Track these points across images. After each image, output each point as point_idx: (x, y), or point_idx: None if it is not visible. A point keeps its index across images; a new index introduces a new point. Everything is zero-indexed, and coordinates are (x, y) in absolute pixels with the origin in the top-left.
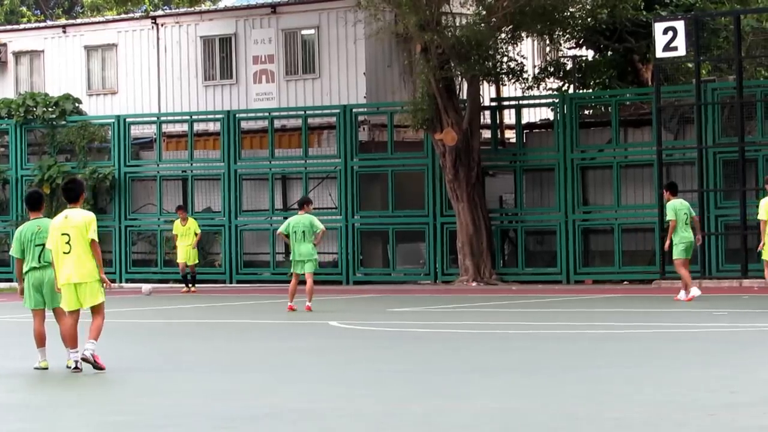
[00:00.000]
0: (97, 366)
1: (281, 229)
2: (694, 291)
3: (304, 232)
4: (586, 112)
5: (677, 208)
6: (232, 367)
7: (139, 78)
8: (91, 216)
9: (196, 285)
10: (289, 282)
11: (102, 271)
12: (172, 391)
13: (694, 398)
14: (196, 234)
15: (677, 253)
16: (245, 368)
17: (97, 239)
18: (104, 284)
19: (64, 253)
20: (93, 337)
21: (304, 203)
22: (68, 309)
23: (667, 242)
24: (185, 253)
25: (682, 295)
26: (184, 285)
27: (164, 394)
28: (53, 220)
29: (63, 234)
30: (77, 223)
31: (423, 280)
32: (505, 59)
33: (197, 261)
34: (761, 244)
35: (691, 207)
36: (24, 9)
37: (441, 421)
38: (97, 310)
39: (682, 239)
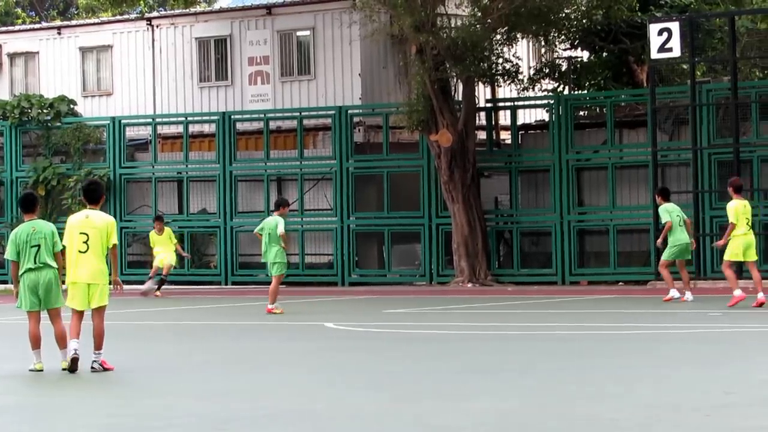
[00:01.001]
0: (106, 369)
1: (257, 228)
2: (673, 293)
3: (269, 234)
4: (581, 113)
5: (670, 210)
6: (228, 368)
7: (135, 79)
8: (112, 220)
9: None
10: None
11: (116, 273)
12: (168, 393)
13: (689, 399)
14: (174, 243)
15: (667, 255)
16: (241, 369)
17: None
18: (118, 286)
19: (80, 252)
20: (98, 347)
21: (279, 205)
22: (78, 308)
23: (660, 240)
24: (162, 260)
25: (688, 295)
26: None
27: (161, 396)
28: (71, 218)
29: (81, 233)
30: (98, 224)
31: (418, 282)
32: (500, 60)
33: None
34: (721, 242)
35: (682, 210)
36: (19, 10)
37: (438, 422)
38: (98, 312)
39: (677, 241)
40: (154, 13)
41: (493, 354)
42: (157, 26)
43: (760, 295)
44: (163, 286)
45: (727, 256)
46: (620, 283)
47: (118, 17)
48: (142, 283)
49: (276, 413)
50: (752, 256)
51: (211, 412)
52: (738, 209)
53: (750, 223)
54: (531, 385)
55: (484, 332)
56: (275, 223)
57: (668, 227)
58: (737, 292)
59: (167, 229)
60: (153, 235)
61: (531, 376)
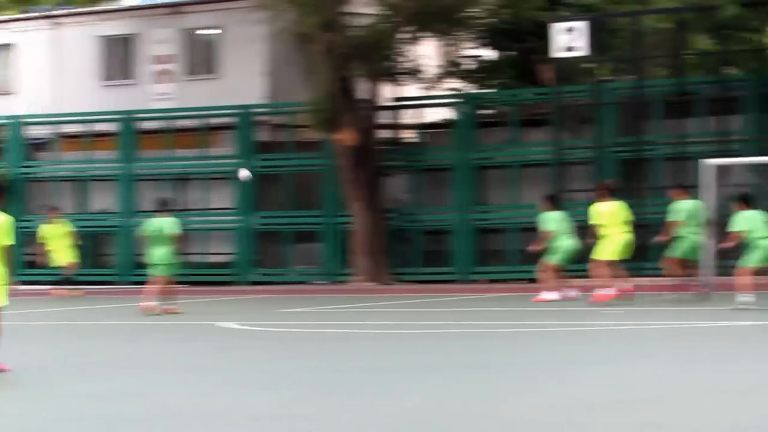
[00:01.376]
0: (1, 370)
1: (142, 229)
2: (554, 295)
3: (155, 235)
4: (486, 111)
5: (557, 219)
6: (123, 369)
7: (37, 78)
8: (6, 219)
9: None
10: (175, 284)
11: (10, 274)
12: (61, 394)
13: (584, 397)
14: (70, 234)
15: (556, 259)
16: (137, 369)
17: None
18: (10, 286)
19: None
20: None
21: (163, 205)
22: None
23: (536, 246)
24: (68, 254)
25: (571, 293)
26: (71, 286)
27: (53, 398)
28: None
29: None
30: None
31: (319, 280)
32: (404, 59)
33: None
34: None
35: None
36: None
37: (337, 422)
38: None
39: (565, 247)
40: (59, 11)
41: (391, 353)
42: (62, 24)
43: (603, 292)
44: (67, 286)
45: (605, 256)
46: (520, 282)
47: (21, 15)
48: (40, 283)
49: (172, 414)
50: (623, 256)
51: (105, 414)
52: (613, 211)
53: (627, 223)
54: (428, 383)
55: (383, 331)
56: (161, 224)
57: (548, 236)
58: (609, 290)
59: (63, 222)
60: (46, 229)
61: (428, 373)
